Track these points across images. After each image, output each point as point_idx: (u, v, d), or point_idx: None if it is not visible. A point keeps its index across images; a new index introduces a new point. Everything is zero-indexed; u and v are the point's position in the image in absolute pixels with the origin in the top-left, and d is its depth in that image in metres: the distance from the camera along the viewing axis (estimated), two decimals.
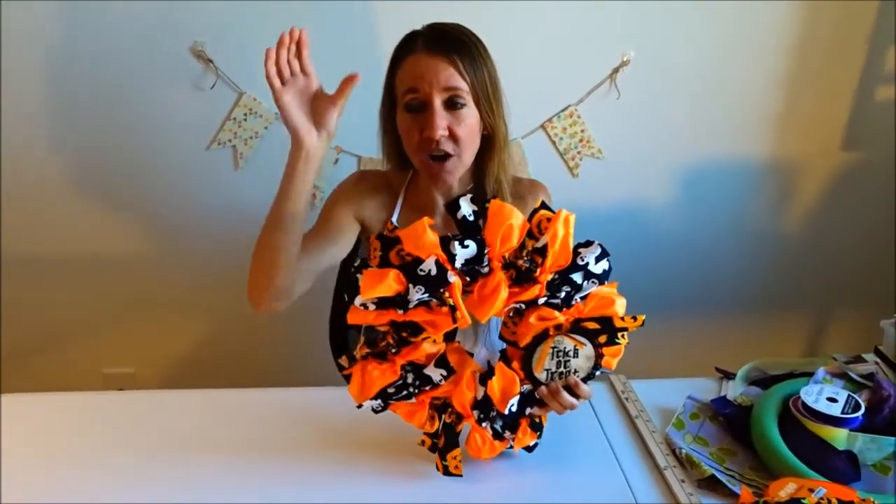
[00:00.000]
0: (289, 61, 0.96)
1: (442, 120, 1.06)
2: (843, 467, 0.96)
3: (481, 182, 1.18)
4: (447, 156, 1.08)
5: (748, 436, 1.05)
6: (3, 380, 1.98)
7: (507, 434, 0.98)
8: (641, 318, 0.91)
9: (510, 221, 0.84)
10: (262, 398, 1.18)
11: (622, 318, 0.91)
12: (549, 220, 0.86)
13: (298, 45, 0.96)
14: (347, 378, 0.91)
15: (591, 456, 1.05)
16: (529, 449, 1.01)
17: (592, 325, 0.90)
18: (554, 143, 1.81)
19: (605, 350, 0.92)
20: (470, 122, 1.09)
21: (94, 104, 1.68)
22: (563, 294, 0.88)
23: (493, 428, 0.96)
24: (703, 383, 1.25)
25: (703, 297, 2.10)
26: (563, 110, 1.78)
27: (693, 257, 2.04)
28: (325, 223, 1.18)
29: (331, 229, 1.17)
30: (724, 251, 2.04)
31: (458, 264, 0.84)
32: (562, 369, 0.92)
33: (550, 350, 0.91)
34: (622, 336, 0.92)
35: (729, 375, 1.25)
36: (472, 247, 0.84)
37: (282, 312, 1.97)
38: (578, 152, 1.83)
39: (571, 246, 0.87)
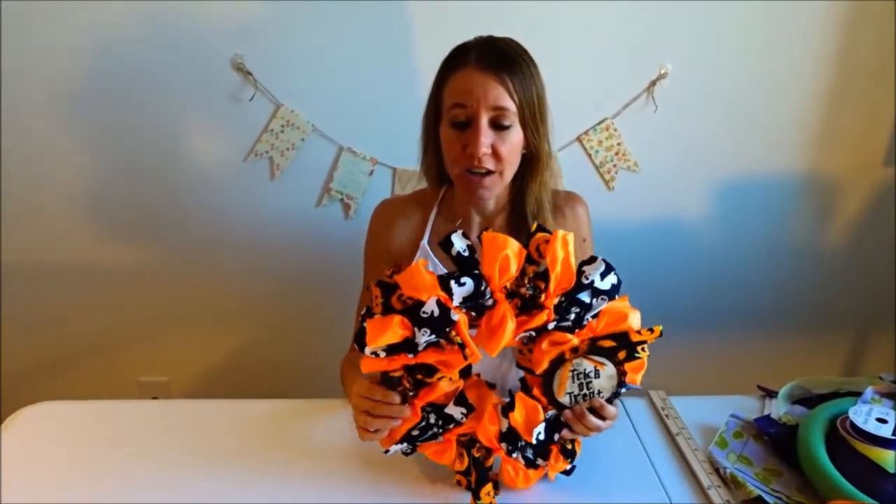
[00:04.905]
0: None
1: (487, 138, 1.04)
2: (893, 491, 0.93)
3: (521, 201, 1.17)
4: (488, 172, 1.07)
5: (794, 456, 1.03)
6: (42, 387, 2.00)
7: (540, 462, 0.96)
8: (658, 329, 0.88)
9: (505, 252, 0.82)
10: (295, 409, 1.18)
11: (639, 332, 0.88)
12: (546, 241, 0.84)
13: None
14: None
15: (631, 473, 1.03)
16: (567, 472, 0.99)
17: (609, 343, 0.88)
18: (590, 155, 1.79)
19: (626, 367, 0.89)
20: (514, 142, 1.07)
21: (133, 116, 1.70)
22: (572, 316, 0.86)
23: (524, 457, 0.94)
24: (744, 401, 1.22)
25: (741, 312, 2.06)
26: (599, 123, 1.76)
27: (730, 271, 2.00)
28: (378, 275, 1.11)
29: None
30: (762, 266, 2.00)
31: (456, 303, 0.82)
32: (585, 391, 0.90)
33: (570, 374, 0.88)
34: (642, 350, 0.88)
35: (771, 394, 1.23)
36: (468, 283, 0.82)
37: (314, 323, 1.95)
38: (614, 165, 1.81)
39: (574, 265, 0.85)
